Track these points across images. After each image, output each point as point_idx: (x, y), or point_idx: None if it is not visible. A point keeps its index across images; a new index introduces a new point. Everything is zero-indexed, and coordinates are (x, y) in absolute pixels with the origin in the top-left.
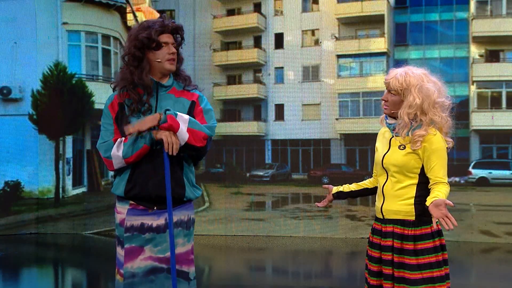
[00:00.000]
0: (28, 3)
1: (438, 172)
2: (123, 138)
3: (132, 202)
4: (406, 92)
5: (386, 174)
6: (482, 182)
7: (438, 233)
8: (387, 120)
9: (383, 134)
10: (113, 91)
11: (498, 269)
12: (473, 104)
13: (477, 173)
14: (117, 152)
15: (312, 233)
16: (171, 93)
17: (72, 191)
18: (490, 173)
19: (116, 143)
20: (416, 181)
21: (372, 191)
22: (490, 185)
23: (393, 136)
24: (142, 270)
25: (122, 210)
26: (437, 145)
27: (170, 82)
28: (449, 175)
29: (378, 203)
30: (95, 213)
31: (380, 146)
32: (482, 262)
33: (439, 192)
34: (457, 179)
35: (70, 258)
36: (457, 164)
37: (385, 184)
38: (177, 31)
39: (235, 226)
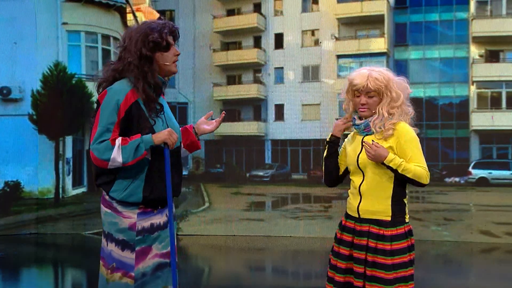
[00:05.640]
0: (28, 3)
1: (417, 161)
2: (120, 140)
3: (141, 205)
4: (386, 89)
5: (362, 174)
6: (482, 182)
7: (410, 233)
8: (355, 122)
9: (353, 136)
10: (99, 87)
11: (498, 269)
12: (473, 104)
13: (477, 173)
14: (118, 157)
15: (312, 233)
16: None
17: (72, 191)
18: (490, 173)
19: (116, 146)
20: (392, 180)
21: (336, 172)
22: (490, 185)
23: (364, 136)
24: (151, 268)
25: (131, 214)
26: (409, 135)
27: None
28: (449, 175)
29: (353, 202)
30: (95, 213)
31: (351, 148)
32: (482, 262)
33: (410, 165)
34: (457, 179)
35: (70, 258)
36: (457, 164)
37: (362, 184)
38: (177, 34)
39: (235, 226)
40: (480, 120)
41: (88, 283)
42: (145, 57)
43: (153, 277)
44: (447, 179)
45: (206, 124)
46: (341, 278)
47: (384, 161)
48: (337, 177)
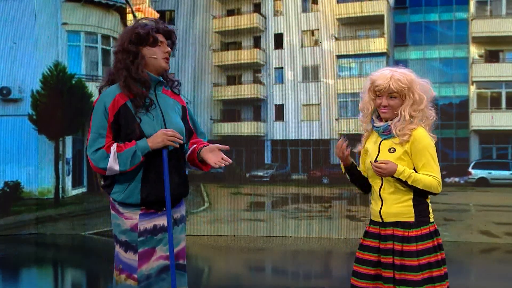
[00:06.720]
0: (27, 3)
1: (429, 169)
2: (116, 147)
3: (143, 207)
4: (409, 91)
5: (380, 178)
6: (482, 182)
7: (436, 233)
8: (374, 124)
9: (371, 136)
10: (100, 91)
11: (498, 269)
12: (473, 104)
13: (477, 173)
14: (115, 166)
15: (312, 233)
16: (164, 92)
17: (71, 191)
18: (489, 173)
19: (111, 154)
20: None
21: (366, 182)
22: (489, 185)
23: (382, 140)
24: (155, 270)
25: (132, 215)
26: (424, 142)
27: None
28: (449, 175)
29: (375, 207)
30: (94, 213)
31: (370, 150)
32: (482, 262)
33: (419, 176)
34: (457, 179)
35: (70, 258)
36: (457, 164)
37: (382, 188)
38: (170, 35)
39: (235, 227)
40: (480, 120)
41: (88, 283)
42: (128, 50)
43: (158, 279)
44: (447, 179)
45: (213, 153)
46: (371, 284)
47: (394, 175)
48: (369, 183)
